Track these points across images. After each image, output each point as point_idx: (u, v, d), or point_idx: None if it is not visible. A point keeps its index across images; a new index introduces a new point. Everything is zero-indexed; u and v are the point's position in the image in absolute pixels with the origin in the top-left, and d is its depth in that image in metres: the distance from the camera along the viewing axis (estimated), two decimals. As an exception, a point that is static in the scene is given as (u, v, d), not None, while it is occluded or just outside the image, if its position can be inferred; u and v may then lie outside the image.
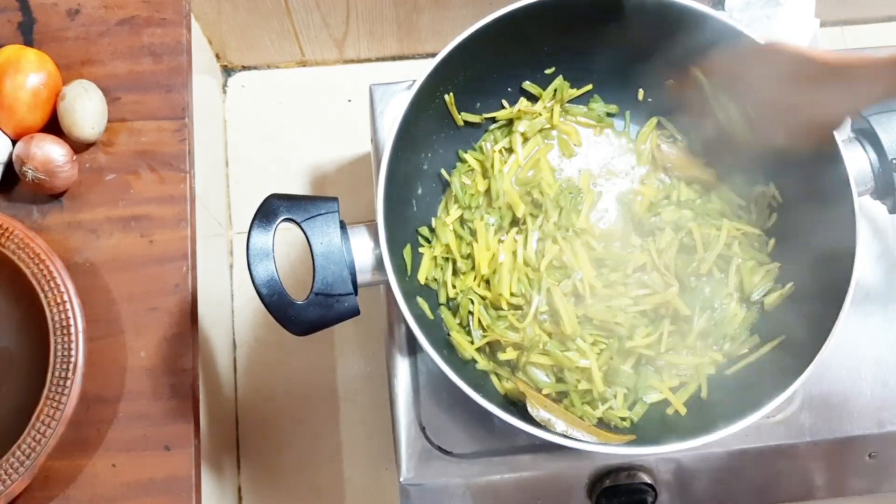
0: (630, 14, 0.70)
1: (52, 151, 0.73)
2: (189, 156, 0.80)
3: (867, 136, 0.68)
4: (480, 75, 0.73)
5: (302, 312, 0.60)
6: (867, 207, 0.74)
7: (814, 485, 0.73)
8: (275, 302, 0.59)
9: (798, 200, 0.72)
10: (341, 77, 1.15)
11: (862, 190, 0.67)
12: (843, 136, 0.66)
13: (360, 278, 0.64)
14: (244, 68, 1.17)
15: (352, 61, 1.15)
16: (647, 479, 0.67)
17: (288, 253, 1.05)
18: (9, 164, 0.75)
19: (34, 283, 0.68)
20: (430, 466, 0.71)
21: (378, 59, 1.15)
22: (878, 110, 0.67)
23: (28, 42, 0.82)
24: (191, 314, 0.76)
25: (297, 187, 1.12)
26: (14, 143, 0.75)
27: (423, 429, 0.73)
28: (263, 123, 1.15)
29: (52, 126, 0.77)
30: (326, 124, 1.14)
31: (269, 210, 0.61)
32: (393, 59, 1.15)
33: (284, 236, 0.65)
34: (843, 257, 0.63)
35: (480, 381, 0.68)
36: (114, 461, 0.72)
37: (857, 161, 0.67)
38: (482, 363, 0.69)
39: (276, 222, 0.61)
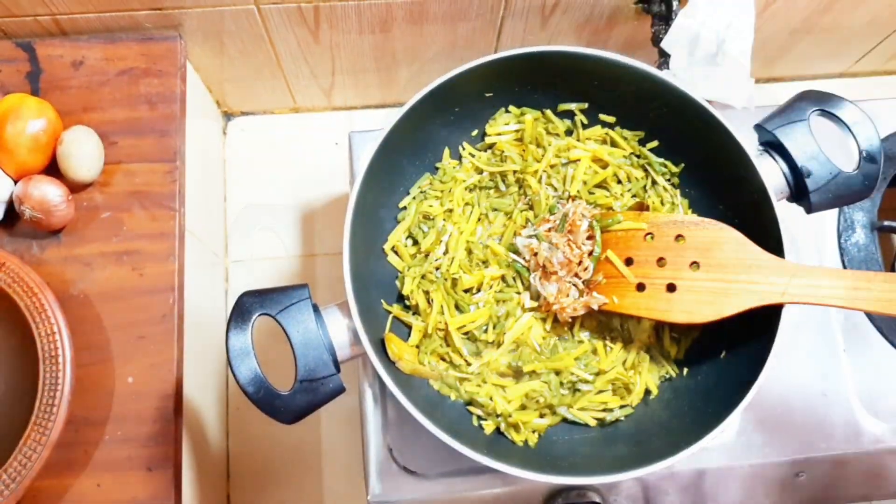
0: (579, 75, 0.68)
1: (48, 192, 0.71)
2: (179, 195, 0.79)
3: (774, 147, 0.64)
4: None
5: (290, 402, 0.56)
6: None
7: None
8: (262, 398, 0.55)
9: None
10: (329, 122, 1.14)
11: (779, 196, 0.64)
12: (753, 151, 0.63)
13: (340, 355, 0.59)
14: (243, 114, 1.16)
15: (339, 108, 1.14)
16: (595, 499, 0.65)
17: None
18: (11, 203, 0.74)
19: (27, 314, 0.66)
20: (396, 485, 0.69)
21: (363, 107, 1.15)
22: (780, 123, 0.64)
23: (34, 90, 0.81)
24: (177, 342, 0.74)
25: (289, 221, 1.10)
26: (16, 183, 0.74)
27: (390, 450, 0.70)
28: (260, 163, 1.13)
29: (53, 167, 0.76)
30: (316, 165, 1.13)
31: (244, 309, 0.57)
32: (376, 107, 1.14)
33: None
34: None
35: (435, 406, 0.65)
36: (99, 481, 0.70)
37: (770, 171, 0.63)
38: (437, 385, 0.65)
39: (252, 320, 0.57)
